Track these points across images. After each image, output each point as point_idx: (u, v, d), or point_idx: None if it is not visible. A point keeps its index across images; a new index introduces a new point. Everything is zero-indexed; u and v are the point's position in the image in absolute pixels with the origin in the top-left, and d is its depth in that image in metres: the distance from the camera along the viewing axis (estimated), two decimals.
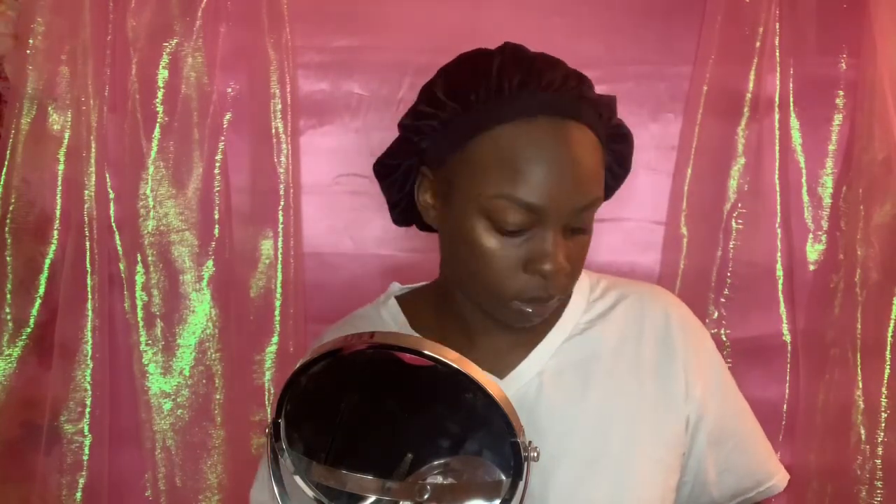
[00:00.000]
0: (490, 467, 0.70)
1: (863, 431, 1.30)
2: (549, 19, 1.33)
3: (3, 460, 1.32)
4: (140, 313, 1.32)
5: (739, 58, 1.31)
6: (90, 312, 1.30)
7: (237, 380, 1.34)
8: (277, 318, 1.33)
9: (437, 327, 0.87)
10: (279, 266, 1.33)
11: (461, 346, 0.84)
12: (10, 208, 1.28)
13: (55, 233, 1.30)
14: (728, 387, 0.91)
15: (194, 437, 1.33)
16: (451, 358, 0.67)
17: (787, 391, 1.36)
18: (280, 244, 1.33)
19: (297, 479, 0.73)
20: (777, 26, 1.31)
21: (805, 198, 1.35)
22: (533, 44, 0.81)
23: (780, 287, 1.35)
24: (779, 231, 1.34)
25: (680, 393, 0.85)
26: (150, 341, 1.32)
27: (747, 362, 1.33)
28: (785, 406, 1.36)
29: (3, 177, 1.28)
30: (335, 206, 1.37)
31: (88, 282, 1.29)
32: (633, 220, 1.38)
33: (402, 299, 0.92)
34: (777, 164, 1.33)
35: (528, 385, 0.84)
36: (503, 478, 0.70)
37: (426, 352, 0.67)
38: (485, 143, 0.76)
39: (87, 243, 1.29)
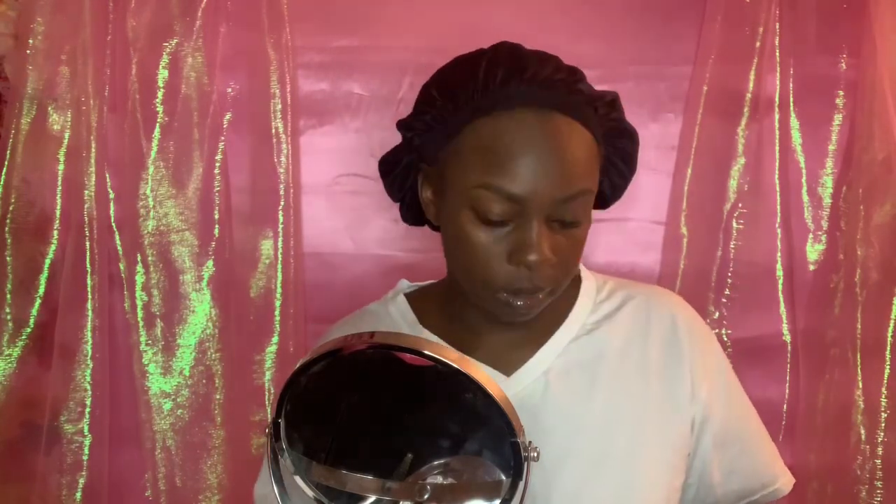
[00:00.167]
0: (490, 467, 0.70)
1: (863, 431, 1.29)
2: (549, 19, 1.33)
3: (3, 460, 1.32)
4: (140, 313, 1.32)
5: (739, 58, 1.31)
6: (90, 312, 1.30)
7: (237, 380, 1.34)
8: (277, 318, 1.33)
9: (446, 325, 0.88)
10: (279, 266, 1.33)
11: (468, 343, 0.85)
12: (10, 208, 1.28)
13: (55, 233, 1.30)
14: (734, 389, 0.91)
15: (194, 437, 1.33)
16: (452, 358, 0.67)
17: (787, 391, 1.36)
18: (280, 244, 1.33)
19: (297, 479, 0.73)
20: (777, 26, 1.30)
21: (805, 198, 1.35)
22: (533, 44, 0.82)
23: (780, 287, 1.35)
24: (779, 231, 1.34)
25: (686, 394, 0.85)
26: (150, 341, 1.32)
27: (747, 362, 1.32)
28: (785, 406, 1.36)
29: (3, 177, 1.28)
30: (335, 206, 1.37)
31: (88, 282, 1.29)
32: (633, 220, 1.38)
33: (410, 297, 0.93)
34: (777, 163, 1.33)
35: (534, 384, 0.84)
36: (503, 478, 0.70)
37: (426, 352, 0.67)
38: (468, 135, 0.77)
39: (87, 243, 1.29)
